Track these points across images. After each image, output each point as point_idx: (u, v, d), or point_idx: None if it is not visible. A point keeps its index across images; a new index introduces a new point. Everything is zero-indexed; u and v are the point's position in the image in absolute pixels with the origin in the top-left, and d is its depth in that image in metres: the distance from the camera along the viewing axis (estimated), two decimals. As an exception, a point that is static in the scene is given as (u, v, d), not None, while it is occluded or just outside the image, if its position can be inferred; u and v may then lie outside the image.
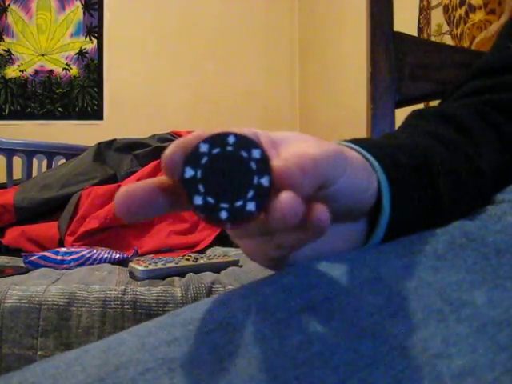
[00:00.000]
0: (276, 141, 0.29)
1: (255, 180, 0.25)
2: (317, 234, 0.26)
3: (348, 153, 0.29)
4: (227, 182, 0.25)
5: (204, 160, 0.25)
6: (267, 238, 0.28)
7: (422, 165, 0.33)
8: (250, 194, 0.25)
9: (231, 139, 0.26)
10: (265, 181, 0.25)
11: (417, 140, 0.35)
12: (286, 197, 0.24)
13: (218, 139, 0.26)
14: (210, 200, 0.25)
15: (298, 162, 0.25)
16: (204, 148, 0.25)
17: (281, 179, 0.24)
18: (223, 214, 0.25)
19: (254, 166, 0.25)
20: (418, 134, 0.37)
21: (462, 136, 0.37)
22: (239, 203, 0.25)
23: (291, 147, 0.28)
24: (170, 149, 0.26)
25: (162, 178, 0.27)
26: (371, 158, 0.31)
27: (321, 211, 0.25)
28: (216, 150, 0.25)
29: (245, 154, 0.25)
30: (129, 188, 0.26)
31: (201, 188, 0.25)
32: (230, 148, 0.26)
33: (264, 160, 0.25)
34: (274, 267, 0.32)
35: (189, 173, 0.25)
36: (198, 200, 0.25)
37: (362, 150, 0.32)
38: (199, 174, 0.25)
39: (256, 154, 0.26)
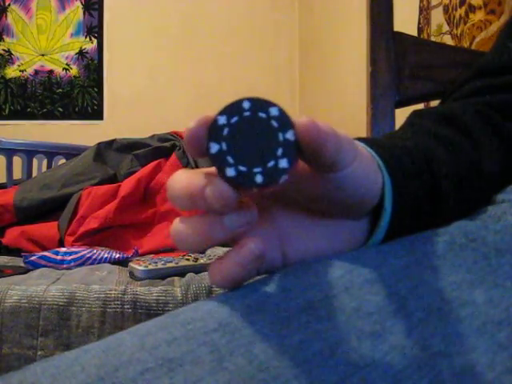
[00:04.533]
0: None
1: (280, 137, 0.25)
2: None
3: (357, 145, 0.29)
4: (254, 146, 0.25)
5: (225, 131, 0.25)
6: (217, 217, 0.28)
7: (424, 166, 0.33)
8: (279, 151, 0.25)
9: (246, 104, 0.26)
10: (290, 135, 0.25)
11: (418, 141, 0.35)
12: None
13: (233, 108, 0.26)
14: (242, 168, 0.25)
15: (322, 123, 0.25)
16: (222, 120, 0.25)
17: (308, 133, 0.25)
18: (258, 179, 0.25)
19: (275, 123, 0.26)
20: (420, 134, 0.37)
21: (462, 137, 0.37)
22: (271, 163, 0.25)
23: None
24: (192, 126, 0.25)
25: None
26: (377, 157, 0.31)
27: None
28: (234, 119, 0.25)
29: (263, 115, 0.26)
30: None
31: (230, 159, 0.25)
32: (247, 113, 0.26)
33: (283, 116, 0.26)
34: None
35: (214, 148, 0.25)
36: (231, 172, 0.25)
37: (368, 148, 0.32)
38: (224, 146, 0.25)
39: (274, 111, 0.26)
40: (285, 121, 0.26)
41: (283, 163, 0.25)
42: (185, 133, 0.26)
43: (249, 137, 0.25)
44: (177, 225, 0.28)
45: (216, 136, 0.25)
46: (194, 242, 0.28)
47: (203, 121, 0.25)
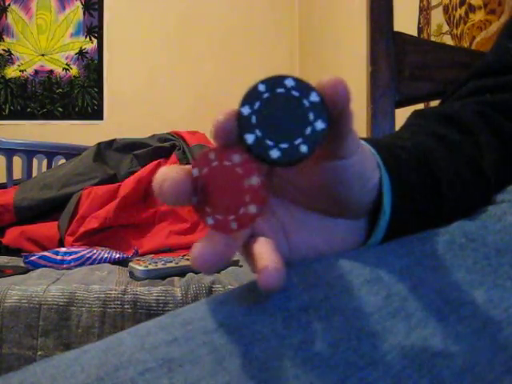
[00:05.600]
0: None
1: (306, 103, 0.26)
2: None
3: (360, 141, 0.30)
4: (285, 121, 0.26)
5: (254, 119, 0.26)
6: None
7: (423, 166, 0.33)
8: (311, 116, 0.26)
9: (261, 87, 0.26)
10: (314, 97, 0.26)
11: (418, 140, 0.35)
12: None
13: (251, 95, 0.26)
14: (285, 146, 0.25)
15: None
16: (246, 110, 0.26)
17: (336, 89, 0.25)
18: (303, 148, 0.25)
19: (296, 93, 0.26)
20: (420, 134, 0.37)
21: (463, 136, 0.37)
22: (308, 130, 0.25)
23: None
24: (221, 120, 0.25)
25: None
26: (377, 156, 0.31)
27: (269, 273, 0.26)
28: (257, 105, 0.26)
29: (282, 90, 0.26)
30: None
31: (269, 143, 0.25)
32: (266, 95, 0.26)
33: (301, 83, 0.26)
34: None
35: (250, 138, 0.25)
36: (275, 153, 0.25)
37: (369, 146, 0.32)
38: (259, 133, 0.25)
39: (290, 82, 0.26)
40: (304, 87, 0.26)
41: (319, 125, 0.25)
42: (214, 126, 0.26)
43: (277, 115, 0.26)
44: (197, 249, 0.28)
45: (247, 127, 0.25)
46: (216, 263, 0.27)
47: (231, 114, 0.25)
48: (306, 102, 0.26)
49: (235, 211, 0.26)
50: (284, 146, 0.25)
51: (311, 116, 0.26)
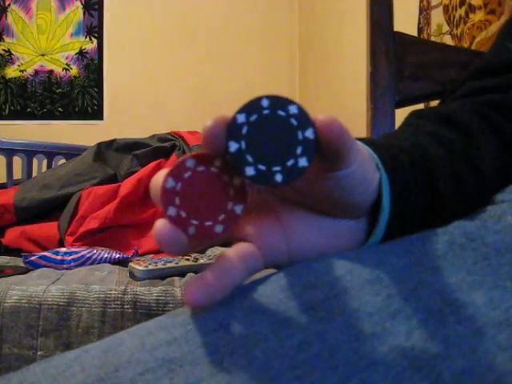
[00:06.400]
0: None
1: (300, 135, 0.25)
2: None
3: (358, 145, 0.29)
4: (273, 144, 0.25)
5: (244, 130, 0.25)
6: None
7: (422, 166, 0.33)
8: (299, 150, 0.25)
9: (265, 102, 0.26)
10: (309, 133, 0.26)
11: (417, 141, 0.35)
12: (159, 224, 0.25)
13: (252, 106, 0.26)
14: (262, 167, 0.25)
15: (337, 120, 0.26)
16: (241, 118, 0.25)
17: (331, 131, 0.25)
18: (278, 177, 0.25)
19: (294, 122, 0.26)
20: (418, 134, 0.37)
21: (461, 136, 0.37)
22: (291, 162, 0.25)
23: None
24: (209, 125, 0.25)
25: None
26: (376, 158, 0.31)
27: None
28: (253, 117, 0.25)
29: (282, 113, 0.26)
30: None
31: (249, 158, 0.25)
32: (266, 111, 0.26)
33: (303, 114, 0.26)
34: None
35: (233, 146, 0.25)
36: (250, 171, 0.25)
37: (367, 148, 0.32)
38: (243, 144, 0.25)
39: (293, 109, 0.26)
40: (304, 119, 0.26)
41: (303, 162, 0.25)
42: (203, 131, 0.25)
43: (268, 135, 0.25)
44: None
45: (235, 134, 0.25)
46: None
47: (221, 119, 0.25)
48: (299, 135, 0.25)
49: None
50: (261, 167, 0.25)
51: (299, 150, 0.25)
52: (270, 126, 0.25)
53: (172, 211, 0.26)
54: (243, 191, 0.26)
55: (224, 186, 0.26)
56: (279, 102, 0.26)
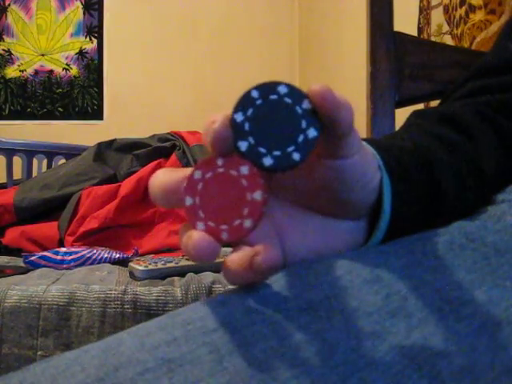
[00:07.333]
0: None
1: (298, 110, 0.26)
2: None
3: (362, 142, 0.30)
4: (278, 129, 0.26)
5: (247, 126, 0.26)
6: None
7: (423, 166, 0.33)
8: (303, 123, 0.26)
9: (255, 93, 0.26)
10: (306, 105, 0.26)
11: (418, 141, 0.35)
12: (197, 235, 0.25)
13: (244, 101, 0.26)
14: (277, 153, 0.25)
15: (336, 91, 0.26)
16: (240, 116, 0.26)
17: (319, 97, 0.25)
18: (296, 156, 0.25)
19: (288, 100, 0.26)
20: (419, 134, 0.37)
21: (462, 137, 0.37)
22: (301, 138, 0.26)
23: None
24: (217, 128, 0.25)
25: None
26: (378, 157, 0.31)
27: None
28: (250, 111, 0.26)
29: (275, 97, 0.26)
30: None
31: (262, 150, 0.25)
32: (259, 101, 0.26)
33: (293, 90, 0.26)
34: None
35: (243, 145, 0.25)
36: (268, 161, 0.25)
37: (370, 148, 0.32)
38: (252, 139, 0.25)
39: (283, 89, 0.26)
40: (296, 94, 0.26)
41: (311, 133, 0.26)
42: (210, 134, 0.25)
43: (270, 122, 0.26)
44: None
45: (240, 134, 0.25)
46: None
47: (226, 121, 0.25)
48: (298, 110, 0.26)
49: (230, 222, 0.26)
50: (277, 153, 0.25)
51: (303, 123, 0.26)
52: (268, 113, 0.26)
53: (201, 226, 0.26)
54: (256, 178, 0.26)
55: (235, 180, 0.26)
56: (268, 88, 0.26)
